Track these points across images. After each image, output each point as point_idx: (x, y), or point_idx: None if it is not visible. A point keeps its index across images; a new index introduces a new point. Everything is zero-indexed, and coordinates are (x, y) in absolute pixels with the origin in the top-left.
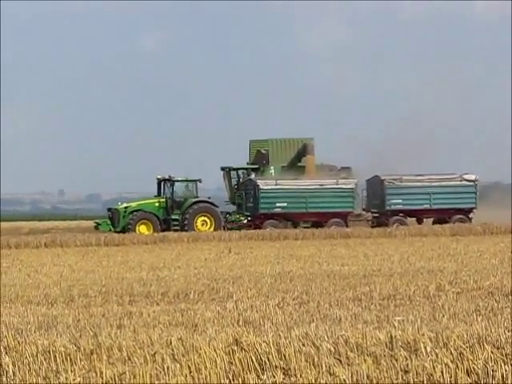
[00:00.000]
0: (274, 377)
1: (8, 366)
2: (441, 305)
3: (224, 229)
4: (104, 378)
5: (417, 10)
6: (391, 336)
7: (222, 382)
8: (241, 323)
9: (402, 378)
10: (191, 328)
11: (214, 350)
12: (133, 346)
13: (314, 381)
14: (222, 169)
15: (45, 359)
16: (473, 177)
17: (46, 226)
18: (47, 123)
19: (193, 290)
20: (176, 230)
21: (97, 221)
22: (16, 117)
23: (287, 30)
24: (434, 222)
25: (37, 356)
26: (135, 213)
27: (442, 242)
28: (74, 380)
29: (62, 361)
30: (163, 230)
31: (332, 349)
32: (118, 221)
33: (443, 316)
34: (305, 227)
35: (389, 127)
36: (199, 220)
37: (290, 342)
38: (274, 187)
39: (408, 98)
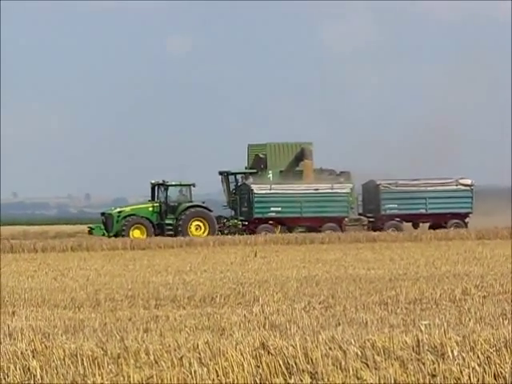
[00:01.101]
0: (302, 381)
1: (35, 370)
2: (467, 309)
3: (219, 233)
4: (131, 382)
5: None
6: (418, 340)
7: None
8: (267, 327)
9: (430, 381)
10: (218, 332)
11: (241, 354)
12: (160, 349)
13: None
14: (220, 173)
15: (72, 363)
16: (469, 181)
17: (72, 230)
18: (74, 127)
19: (219, 294)
20: (170, 235)
21: (90, 225)
22: (43, 121)
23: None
24: (430, 227)
25: (64, 360)
26: (129, 217)
27: (467, 245)
28: None
29: (89, 365)
30: (157, 235)
31: (359, 353)
32: (112, 225)
33: (469, 320)
34: (300, 232)
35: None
36: (193, 224)
37: (316, 346)
38: (268, 192)
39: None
